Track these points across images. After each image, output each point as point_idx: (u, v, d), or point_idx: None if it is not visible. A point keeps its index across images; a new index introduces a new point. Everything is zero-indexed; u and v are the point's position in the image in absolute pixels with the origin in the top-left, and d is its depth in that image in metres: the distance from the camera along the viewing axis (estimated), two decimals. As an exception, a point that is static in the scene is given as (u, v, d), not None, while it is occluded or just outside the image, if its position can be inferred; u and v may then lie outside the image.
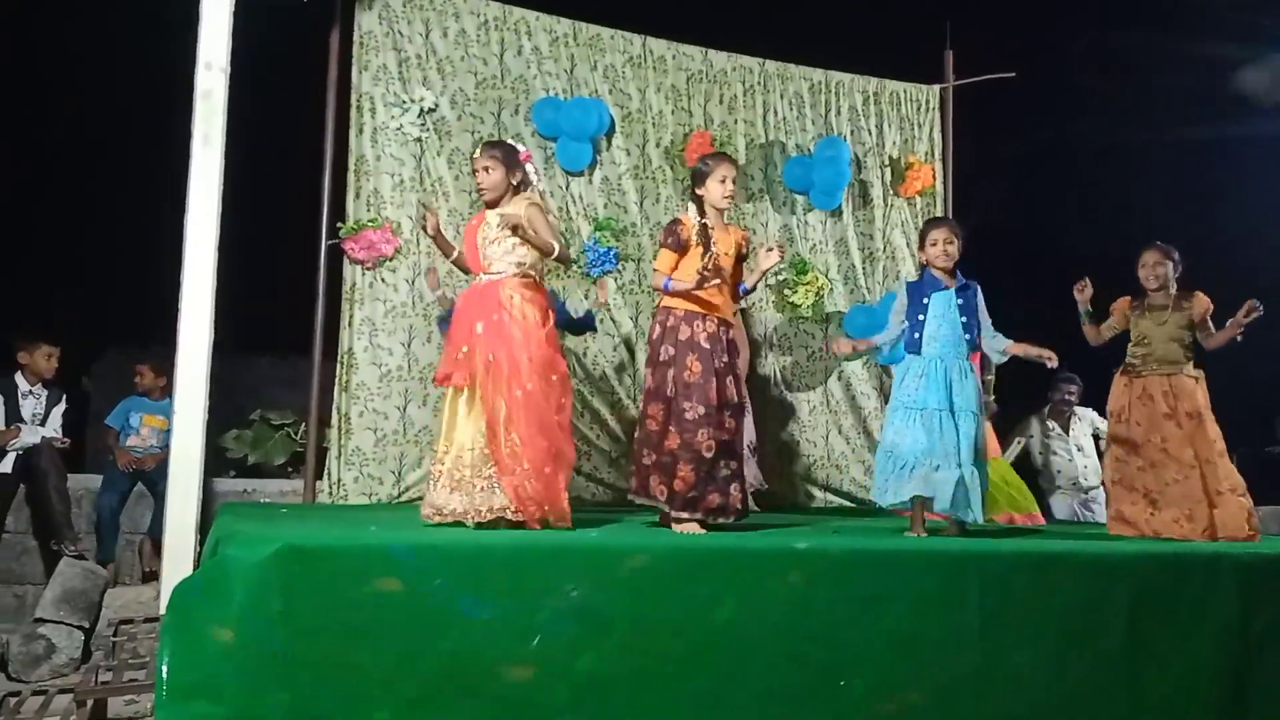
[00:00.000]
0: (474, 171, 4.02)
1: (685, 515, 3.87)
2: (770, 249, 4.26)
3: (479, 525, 3.65)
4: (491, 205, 3.96)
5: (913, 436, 4.22)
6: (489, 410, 3.69)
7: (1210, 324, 4.64)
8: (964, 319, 4.33)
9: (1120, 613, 3.57)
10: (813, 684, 3.17)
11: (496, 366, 3.70)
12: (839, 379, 6.70)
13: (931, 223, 4.60)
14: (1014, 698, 3.39)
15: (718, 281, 3.95)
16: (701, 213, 4.08)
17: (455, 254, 4.14)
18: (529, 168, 4.04)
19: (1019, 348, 4.36)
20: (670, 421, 3.90)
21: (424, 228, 4.11)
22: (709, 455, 3.88)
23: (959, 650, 3.34)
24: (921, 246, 4.44)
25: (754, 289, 4.58)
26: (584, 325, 5.60)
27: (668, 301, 4.05)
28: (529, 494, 3.65)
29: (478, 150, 4.11)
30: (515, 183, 3.97)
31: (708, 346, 3.96)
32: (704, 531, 3.80)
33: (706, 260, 3.96)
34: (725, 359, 4.01)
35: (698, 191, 4.10)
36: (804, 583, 3.22)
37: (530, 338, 3.75)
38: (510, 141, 4.29)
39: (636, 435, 4.06)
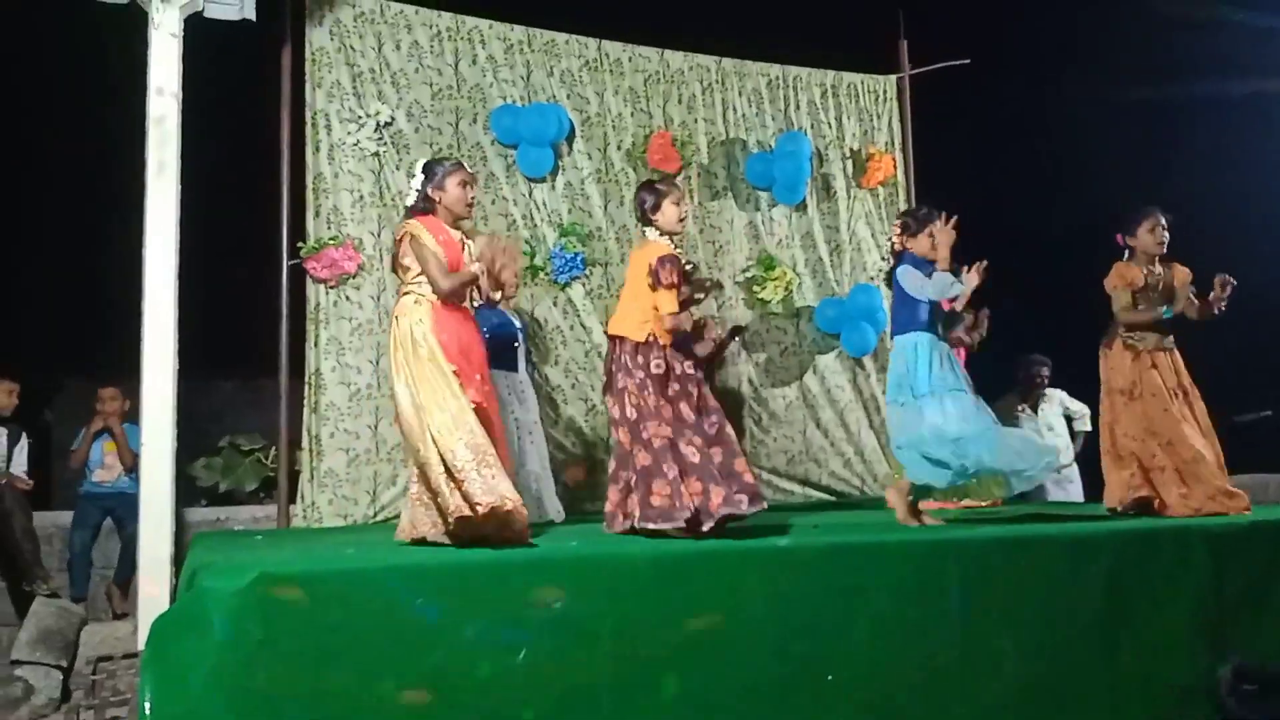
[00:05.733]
0: (465, 184, 3.83)
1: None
2: None
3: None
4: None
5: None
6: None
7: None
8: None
9: (1097, 589, 3.62)
10: (797, 678, 3.19)
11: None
12: (814, 373, 6.72)
13: None
14: (997, 679, 3.43)
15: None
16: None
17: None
18: None
19: None
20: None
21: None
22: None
23: (941, 636, 3.37)
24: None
25: None
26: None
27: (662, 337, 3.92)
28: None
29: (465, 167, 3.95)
30: None
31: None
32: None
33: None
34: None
35: (653, 216, 3.98)
36: (785, 579, 3.24)
37: None
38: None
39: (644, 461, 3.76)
